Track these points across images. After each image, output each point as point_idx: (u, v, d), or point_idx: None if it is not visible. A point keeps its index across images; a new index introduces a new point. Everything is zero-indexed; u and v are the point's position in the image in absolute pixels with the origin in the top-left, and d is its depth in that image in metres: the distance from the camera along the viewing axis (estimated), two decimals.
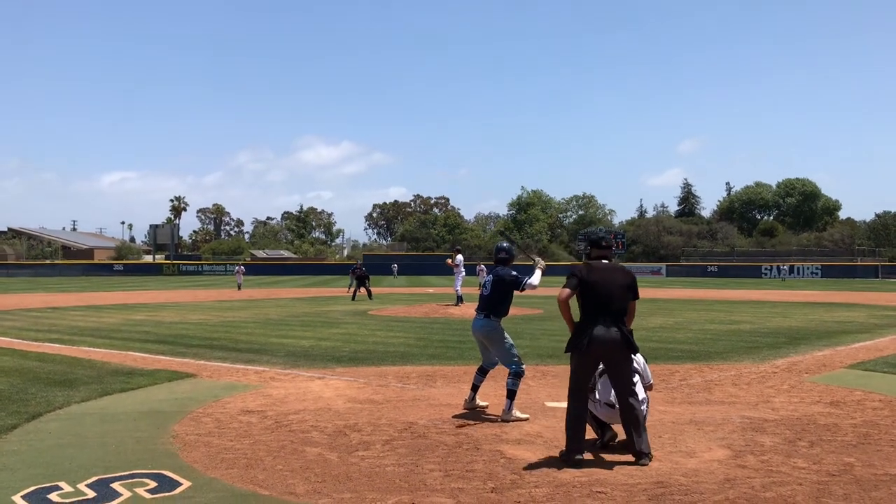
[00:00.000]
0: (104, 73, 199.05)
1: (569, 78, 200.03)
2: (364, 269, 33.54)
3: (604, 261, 6.50)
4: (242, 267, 48.36)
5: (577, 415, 6.21)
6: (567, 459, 6.04)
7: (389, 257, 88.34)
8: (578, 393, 6.27)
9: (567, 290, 6.32)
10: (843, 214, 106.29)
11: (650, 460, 6.04)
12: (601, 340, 6.14)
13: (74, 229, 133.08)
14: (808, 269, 69.89)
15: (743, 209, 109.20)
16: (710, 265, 77.38)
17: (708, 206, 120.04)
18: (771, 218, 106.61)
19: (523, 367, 7.97)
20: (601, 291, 6.25)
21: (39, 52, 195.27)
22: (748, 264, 75.40)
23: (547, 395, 9.07)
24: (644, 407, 6.43)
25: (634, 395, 6.29)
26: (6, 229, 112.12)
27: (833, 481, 5.53)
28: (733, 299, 32.21)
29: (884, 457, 6.24)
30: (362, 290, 32.16)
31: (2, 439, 6.83)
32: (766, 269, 71.85)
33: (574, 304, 6.37)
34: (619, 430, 6.43)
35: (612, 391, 6.42)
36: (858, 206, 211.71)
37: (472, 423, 7.58)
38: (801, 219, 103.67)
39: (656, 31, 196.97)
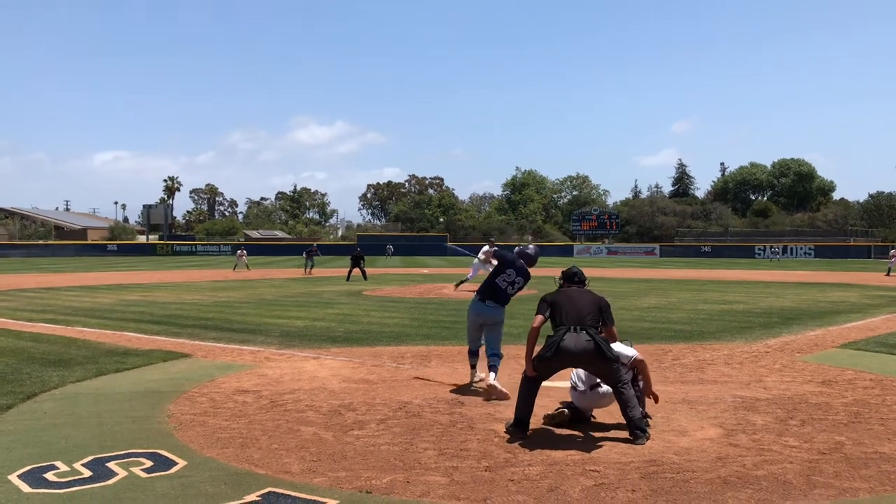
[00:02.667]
0: (95, 50, 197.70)
1: (563, 58, 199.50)
2: (360, 250, 33.59)
3: (574, 287, 6.80)
4: (244, 249, 47.80)
5: (528, 391, 6.47)
6: (511, 428, 6.38)
7: (384, 238, 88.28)
8: (531, 386, 6.48)
9: (540, 317, 6.56)
10: (836, 195, 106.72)
11: (647, 439, 6.09)
12: (569, 350, 6.23)
13: (68, 209, 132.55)
14: (801, 249, 70.08)
15: (737, 189, 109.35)
16: (704, 245, 77.51)
17: (702, 186, 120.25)
18: (765, 198, 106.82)
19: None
20: (570, 307, 6.46)
21: (28, 29, 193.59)
22: (742, 245, 75.57)
23: None
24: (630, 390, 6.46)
25: (625, 384, 6.33)
26: None
27: (824, 459, 5.59)
28: (726, 279, 32.30)
29: (874, 435, 6.31)
30: (356, 270, 32.08)
31: None
32: (759, 249, 72.00)
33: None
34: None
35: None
36: (852, 186, 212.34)
37: (467, 402, 7.62)
38: (796, 199, 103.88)
39: (649, 11, 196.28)
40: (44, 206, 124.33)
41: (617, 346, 6.70)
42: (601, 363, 6.27)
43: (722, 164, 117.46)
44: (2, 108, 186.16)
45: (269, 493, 4.83)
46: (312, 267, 38.47)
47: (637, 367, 6.72)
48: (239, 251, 46.20)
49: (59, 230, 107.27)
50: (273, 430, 6.54)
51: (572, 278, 6.93)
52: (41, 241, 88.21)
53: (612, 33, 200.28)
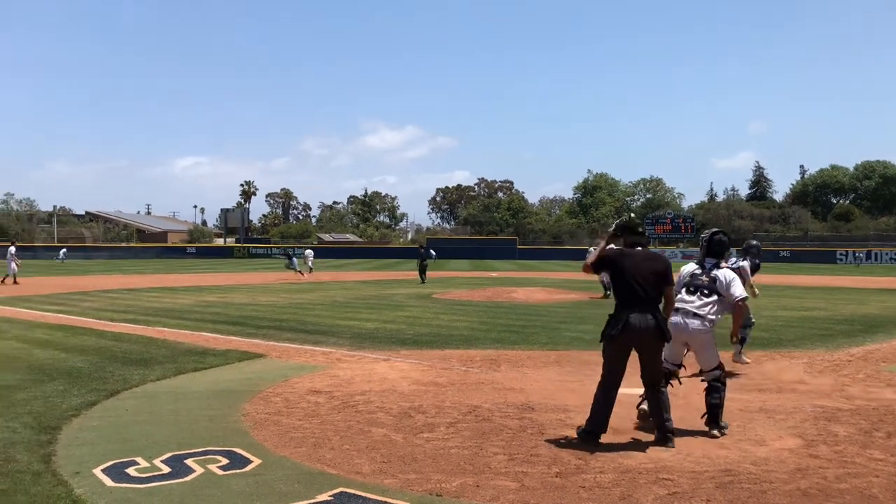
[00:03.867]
0: (176, 61, 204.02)
1: (636, 57, 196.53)
2: (425, 251, 34.52)
3: (637, 248, 6.45)
4: (311, 251, 48.51)
5: (606, 402, 6.27)
6: (583, 437, 6.18)
7: (452, 241, 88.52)
8: (612, 383, 6.31)
9: (588, 265, 6.56)
10: None
11: (673, 445, 6.05)
12: (635, 329, 6.11)
13: (149, 213, 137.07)
14: (886, 254, 67.35)
15: (817, 193, 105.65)
16: (782, 250, 75.26)
17: (780, 189, 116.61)
18: (847, 202, 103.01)
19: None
20: (635, 279, 6.20)
21: (115, 43, 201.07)
22: (822, 249, 73.10)
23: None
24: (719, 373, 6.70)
25: (661, 382, 6.31)
26: (84, 213, 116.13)
27: None
28: (806, 285, 31.32)
29: None
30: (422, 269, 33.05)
31: (83, 415, 7.12)
32: (841, 254, 69.52)
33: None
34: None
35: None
36: None
37: (537, 407, 7.57)
38: (881, 202, 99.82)
39: (726, 10, 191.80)
40: (127, 210, 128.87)
41: (734, 281, 6.83)
42: (658, 343, 6.22)
43: (801, 166, 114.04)
44: (90, 117, 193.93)
45: (341, 493, 4.89)
46: (298, 270, 36.88)
47: (737, 309, 6.96)
48: (306, 252, 47.18)
49: (141, 233, 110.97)
50: (344, 430, 6.62)
51: (634, 229, 6.51)
52: (123, 244, 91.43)
53: (687, 32, 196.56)
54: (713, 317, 6.75)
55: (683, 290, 6.88)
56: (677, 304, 6.72)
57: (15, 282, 29.22)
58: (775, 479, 5.22)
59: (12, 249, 30.74)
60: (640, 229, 6.59)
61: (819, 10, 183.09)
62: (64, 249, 67.14)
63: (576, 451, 5.96)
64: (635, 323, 6.10)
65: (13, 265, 29.85)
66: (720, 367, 6.74)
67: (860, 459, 5.72)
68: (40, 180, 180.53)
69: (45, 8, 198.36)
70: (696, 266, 7.03)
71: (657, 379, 6.28)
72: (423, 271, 33.15)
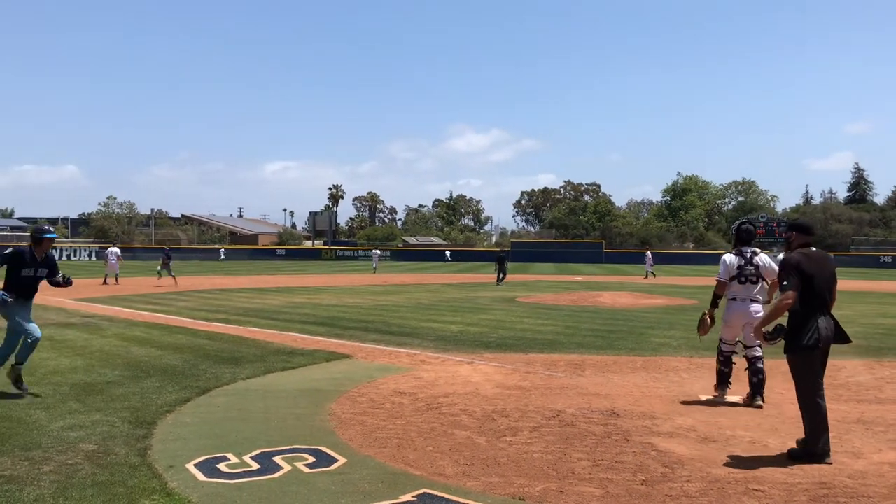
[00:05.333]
0: (268, 67, 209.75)
1: (726, 58, 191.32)
2: (503, 253, 35.38)
3: (812, 248, 6.25)
4: (378, 251, 56.34)
5: (821, 416, 5.87)
6: (819, 460, 5.74)
7: (538, 244, 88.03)
8: (816, 393, 5.92)
9: (793, 294, 5.90)
10: None
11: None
12: (826, 336, 5.90)
13: (241, 216, 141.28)
14: None
15: None
16: (884, 255, 71.88)
17: (882, 191, 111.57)
18: None
19: None
20: (821, 283, 5.99)
21: (205, 56, 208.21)
22: None
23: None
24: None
25: (823, 395, 5.97)
26: (179, 216, 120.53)
27: None
28: None
29: None
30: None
31: (177, 411, 7.38)
32: None
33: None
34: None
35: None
36: None
37: (622, 414, 7.45)
38: None
39: (821, 7, 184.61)
40: (220, 213, 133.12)
41: (771, 264, 7.91)
42: (830, 347, 6.03)
43: None
44: (184, 124, 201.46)
45: (424, 494, 4.92)
46: (171, 274, 31.71)
47: (773, 287, 7.70)
48: (374, 251, 55.71)
49: (233, 235, 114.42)
50: (428, 432, 6.66)
51: (809, 230, 6.39)
52: (217, 246, 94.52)
53: (781, 29, 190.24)
54: (763, 298, 8.04)
55: (735, 281, 8.03)
56: (738, 293, 8.03)
57: (116, 282, 30.51)
58: (874, 493, 4.98)
59: (116, 251, 32.07)
60: (814, 231, 6.54)
61: None
62: (223, 249, 76.58)
63: (662, 458, 5.83)
64: (824, 329, 5.90)
65: (114, 264, 31.08)
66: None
67: None
68: (143, 184, 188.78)
69: (153, 11, 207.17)
70: (738, 257, 8.10)
71: (821, 389, 5.99)
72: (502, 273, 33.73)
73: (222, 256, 79.18)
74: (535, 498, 4.88)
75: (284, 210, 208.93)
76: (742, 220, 8.35)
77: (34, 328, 8.11)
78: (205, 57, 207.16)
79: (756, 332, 6.22)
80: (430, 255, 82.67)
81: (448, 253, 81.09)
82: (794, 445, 5.97)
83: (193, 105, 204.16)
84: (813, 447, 5.80)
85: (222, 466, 5.51)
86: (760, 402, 7.80)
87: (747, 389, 8.03)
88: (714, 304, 8.28)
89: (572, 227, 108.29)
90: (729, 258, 8.18)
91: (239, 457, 5.75)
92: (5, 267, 8.11)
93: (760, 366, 7.90)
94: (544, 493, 4.98)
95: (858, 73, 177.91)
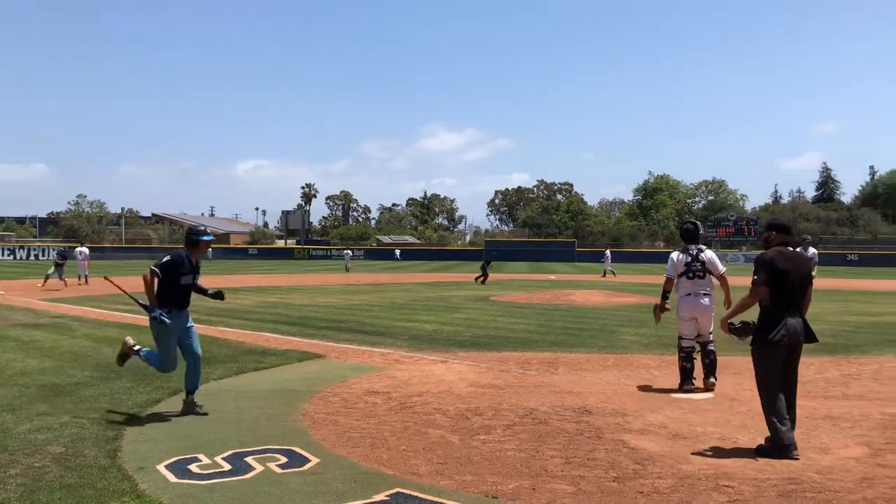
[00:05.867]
0: (236, 66, 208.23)
1: (697, 57, 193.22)
2: (491, 256, 35.01)
3: (788, 248, 6.33)
4: (349, 251, 57.79)
5: (781, 413, 5.96)
6: (781, 456, 5.82)
7: (511, 243, 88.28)
8: (777, 389, 6.03)
9: (764, 289, 6.04)
10: None
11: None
12: (794, 332, 6.01)
13: (212, 215, 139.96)
14: None
15: (888, 194, 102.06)
16: (850, 253, 73.02)
17: (849, 191, 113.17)
18: None
19: None
20: (794, 281, 6.07)
21: (177, 54, 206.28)
22: (893, 253, 70.69)
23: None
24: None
25: (795, 385, 6.18)
26: (150, 215, 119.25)
27: None
28: (875, 290, 30.34)
29: None
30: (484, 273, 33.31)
31: (147, 412, 7.31)
32: None
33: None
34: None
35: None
36: None
37: (594, 411, 7.50)
38: None
39: (788, 9, 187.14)
40: (191, 212, 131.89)
41: (715, 259, 8.67)
42: (801, 345, 6.15)
43: (871, 167, 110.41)
44: (158, 121, 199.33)
45: (398, 493, 4.92)
46: (61, 277, 27.89)
47: (723, 280, 8.56)
48: (346, 252, 56.20)
49: None
50: (401, 431, 6.66)
51: (787, 229, 6.43)
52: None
53: (750, 32, 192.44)
54: (711, 292, 8.68)
55: (684, 277, 8.68)
56: (689, 289, 8.65)
57: (86, 282, 30.11)
58: (840, 488, 5.06)
59: (85, 250, 31.70)
60: (791, 229, 6.58)
61: (883, 7, 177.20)
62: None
63: (633, 455, 5.88)
64: (793, 326, 6.01)
65: (83, 264, 30.71)
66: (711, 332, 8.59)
67: None
68: (113, 182, 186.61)
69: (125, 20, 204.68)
70: (684, 254, 8.73)
71: (794, 385, 6.16)
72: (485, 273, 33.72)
73: (209, 256, 77.76)
74: (507, 496, 4.90)
75: (257, 209, 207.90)
76: (686, 220, 8.96)
77: (197, 346, 7.32)
78: (176, 55, 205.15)
79: (722, 324, 6.33)
80: (406, 255, 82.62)
81: (398, 252, 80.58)
82: (762, 442, 6.05)
83: (165, 103, 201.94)
84: (778, 440, 5.90)
85: (194, 467, 5.47)
86: (713, 380, 8.57)
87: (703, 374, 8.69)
88: (664, 298, 8.95)
89: (545, 226, 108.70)
90: (676, 256, 8.83)
91: (211, 458, 5.71)
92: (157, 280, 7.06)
93: (712, 348, 8.66)
94: (517, 490, 5.00)
95: (829, 74, 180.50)
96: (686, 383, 8.63)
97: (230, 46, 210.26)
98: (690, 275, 8.65)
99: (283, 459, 5.68)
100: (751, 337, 6.13)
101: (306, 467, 5.51)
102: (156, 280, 6.97)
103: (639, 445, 6.19)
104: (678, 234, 9.19)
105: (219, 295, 7.73)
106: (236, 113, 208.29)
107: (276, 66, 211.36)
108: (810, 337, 6.16)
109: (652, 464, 5.66)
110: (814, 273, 14.90)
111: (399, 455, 5.87)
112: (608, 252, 44.95)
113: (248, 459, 5.67)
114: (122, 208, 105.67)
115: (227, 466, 5.50)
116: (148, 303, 7.02)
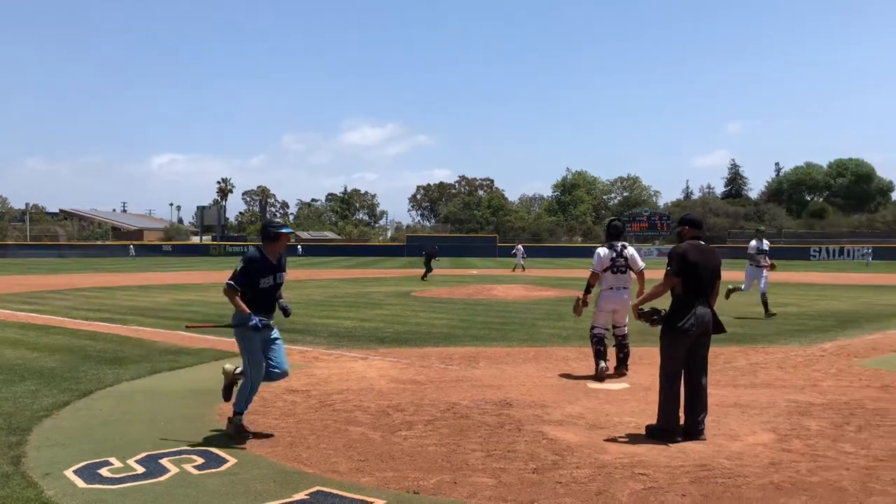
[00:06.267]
0: (150, 56, 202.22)
1: (614, 57, 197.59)
2: (432, 249, 34.88)
3: (700, 242, 6.56)
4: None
5: (675, 400, 6.26)
6: (663, 439, 6.11)
7: (433, 239, 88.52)
8: (678, 375, 6.33)
9: (675, 279, 6.31)
10: None
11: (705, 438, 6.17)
12: (703, 321, 6.24)
13: (125, 211, 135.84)
14: (858, 251, 68.24)
15: (792, 190, 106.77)
16: None
17: (756, 187, 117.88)
18: (821, 199, 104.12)
19: None
20: (703, 274, 6.33)
21: (84, 44, 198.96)
22: (796, 246, 73.85)
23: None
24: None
25: (706, 374, 6.41)
26: (58, 211, 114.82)
27: (881, 466, 5.42)
28: (780, 282, 31.57)
29: None
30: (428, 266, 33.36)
31: (54, 416, 7.02)
32: (814, 251, 70.32)
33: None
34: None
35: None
36: None
37: (515, 404, 7.58)
38: (854, 200, 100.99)
39: (702, 10, 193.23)
40: (102, 208, 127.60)
41: (636, 255, 9.11)
42: (709, 335, 6.38)
43: (777, 164, 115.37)
44: (64, 115, 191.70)
45: (318, 491, 4.86)
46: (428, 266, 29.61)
47: (641, 276, 9.01)
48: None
49: (116, 231, 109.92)
50: (321, 429, 6.59)
51: (698, 224, 6.66)
52: (98, 242, 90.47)
53: (666, 32, 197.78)
54: (629, 286, 9.15)
55: (609, 272, 9.05)
56: (611, 283, 9.08)
57: None
58: (749, 473, 5.26)
59: None
60: (702, 224, 6.84)
61: (793, 9, 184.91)
62: (131, 246, 70.69)
63: (553, 446, 5.97)
64: (702, 315, 6.24)
65: None
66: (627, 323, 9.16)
67: (831, 453, 5.78)
68: (16, 177, 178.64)
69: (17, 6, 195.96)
70: (610, 250, 9.09)
71: (704, 371, 6.38)
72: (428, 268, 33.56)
73: (132, 253, 74.23)
74: (429, 491, 4.90)
75: (171, 205, 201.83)
76: (612, 217, 9.44)
77: (282, 362, 6.50)
78: (83, 44, 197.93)
79: (633, 308, 6.60)
80: (324, 251, 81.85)
81: (300, 247, 79.32)
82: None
83: (72, 95, 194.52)
84: (664, 423, 6.20)
85: (104, 472, 5.28)
86: (625, 371, 9.15)
87: (615, 364, 9.24)
88: (587, 291, 9.29)
89: (467, 222, 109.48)
90: (602, 251, 9.18)
91: (123, 461, 5.53)
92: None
93: (626, 342, 9.26)
94: (438, 485, 5.01)
95: (737, 75, 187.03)
96: (601, 365, 9.03)
97: (140, 36, 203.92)
98: (614, 269, 9.06)
99: (200, 460, 5.55)
100: (659, 323, 6.40)
101: (224, 468, 5.39)
102: (236, 293, 6.19)
103: (558, 436, 6.29)
104: (604, 229, 9.61)
105: (284, 312, 6.70)
106: (149, 106, 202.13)
107: (190, 57, 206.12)
108: (718, 327, 6.43)
109: (570, 454, 5.76)
110: (768, 262, 15.91)
111: (319, 453, 5.81)
112: (520, 247, 45.42)
113: (163, 461, 5.51)
114: (27, 204, 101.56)
115: (140, 469, 5.33)
116: (234, 321, 6.28)
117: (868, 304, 20.03)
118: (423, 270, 33.32)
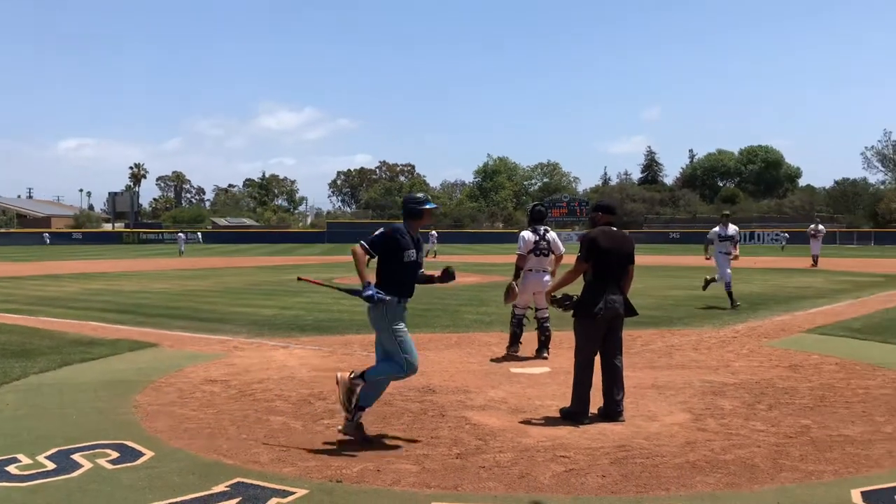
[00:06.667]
0: (52, 34, 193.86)
1: (533, 44, 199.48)
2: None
3: (613, 227, 6.67)
4: (183, 234, 55.89)
5: (587, 382, 6.42)
6: (575, 420, 6.26)
7: (354, 225, 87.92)
8: (591, 359, 6.48)
9: (585, 265, 6.49)
10: (802, 182, 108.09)
11: (623, 419, 6.32)
12: (613, 306, 6.38)
13: (31, 197, 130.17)
14: (769, 235, 71.01)
15: (705, 176, 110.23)
16: (672, 232, 78.21)
17: (671, 173, 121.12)
18: (733, 185, 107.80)
19: None
20: (613, 259, 6.47)
21: None
22: (710, 231, 76.20)
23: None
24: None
25: (620, 356, 6.57)
26: None
27: (790, 443, 5.65)
28: (695, 265, 32.58)
29: (839, 418, 6.39)
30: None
31: None
32: None
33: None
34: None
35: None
36: (818, 173, 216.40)
37: (438, 390, 7.61)
38: (763, 186, 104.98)
39: (618, 1, 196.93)
40: (6, 194, 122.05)
41: (557, 239, 9.51)
42: (622, 318, 6.55)
43: (690, 151, 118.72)
44: None
45: (238, 483, 4.77)
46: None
47: (557, 260, 9.46)
48: (179, 235, 54.98)
49: (22, 218, 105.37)
50: (241, 420, 6.47)
51: (612, 210, 6.83)
52: (2, 230, 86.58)
53: (582, 22, 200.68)
54: (550, 269, 9.49)
55: (532, 254, 9.29)
56: (533, 265, 9.34)
57: None
58: (666, 452, 5.41)
59: None
60: (617, 210, 7.00)
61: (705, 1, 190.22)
62: (46, 234, 68.40)
63: (475, 431, 6.02)
64: (613, 300, 6.37)
65: None
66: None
67: (744, 431, 6.00)
68: None
69: None
70: (533, 234, 9.37)
71: (618, 353, 6.52)
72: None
73: (47, 241, 72.76)
74: (352, 479, 4.87)
75: (81, 191, 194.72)
76: (536, 202, 9.87)
77: (415, 354, 5.94)
78: None
79: (546, 295, 6.75)
80: (243, 238, 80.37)
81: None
82: (595, 413, 6.40)
83: None
84: (576, 407, 6.38)
85: (12, 469, 5.05)
86: (546, 355, 9.34)
87: (536, 347, 9.52)
88: (517, 276, 9.43)
89: (388, 208, 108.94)
90: (527, 234, 9.45)
91: (32, 457, 5.29)
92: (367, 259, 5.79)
93: (547, 325, 9.48)
94: (362, 473, 4.98)
95: (652, 62, 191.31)
96: (513, 346, 9.58)
97: (44, 12, 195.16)
98: (537, 252, 9.34)
99: (115, 455, 5.37)
100: (571, 309, 6.56)
101: (140, 461, 5.23)
102: (366, 258, 5.76)
103: (481, 421, 6.34)
104: (527, 213, 10.02)
105: (448, 275, 6.27)
106: (53, 87, 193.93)
107: (96, 35, 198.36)
108: (630, 311, 6.61)
109: (493, 438, 5.81)
110: (736, 252, 15.76)
111: (239, 444, 5.70)
112: (434, 232, 45.44)
113: (75, 457, 5.31)
114: None
115: (50, 465, 5.12)
116: (356, 287, 5.82)
117: (777, 286, 20.87)
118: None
